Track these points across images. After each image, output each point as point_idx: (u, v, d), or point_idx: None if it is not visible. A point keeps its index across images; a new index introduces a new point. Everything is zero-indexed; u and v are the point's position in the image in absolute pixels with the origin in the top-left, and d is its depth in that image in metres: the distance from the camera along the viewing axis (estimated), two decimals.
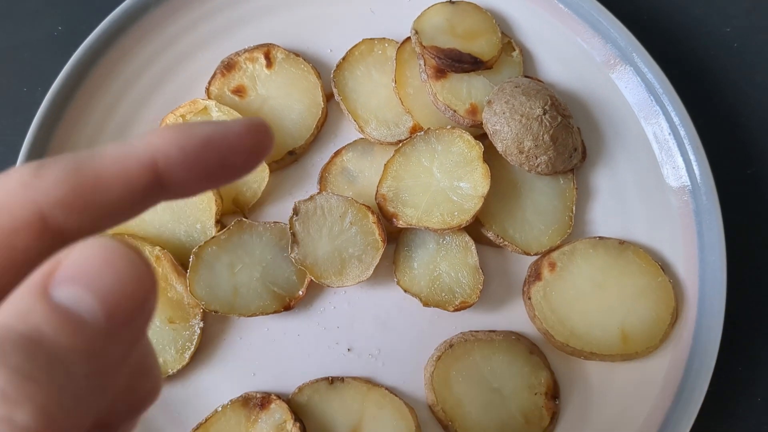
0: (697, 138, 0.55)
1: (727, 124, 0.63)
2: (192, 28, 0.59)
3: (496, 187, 0.55)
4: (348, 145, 0.58)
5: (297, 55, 0.59)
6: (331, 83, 0.58)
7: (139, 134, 0.21)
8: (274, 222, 0.54)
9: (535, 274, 0.54)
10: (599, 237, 0.55)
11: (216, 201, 0.54)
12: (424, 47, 0.56)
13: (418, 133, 0.55)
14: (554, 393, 0.52)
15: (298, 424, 0.50)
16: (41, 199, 0.20)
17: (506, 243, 0.54)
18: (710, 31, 0.65)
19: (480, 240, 0.55)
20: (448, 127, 0.55)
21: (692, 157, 0.55)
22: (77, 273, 0.18)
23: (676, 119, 0.56)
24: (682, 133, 0.55)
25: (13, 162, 0.53)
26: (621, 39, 0.57)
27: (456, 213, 0.53)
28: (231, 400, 0.52)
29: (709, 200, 0.54)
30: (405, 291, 0.53)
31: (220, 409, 0.51)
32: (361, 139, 0.58)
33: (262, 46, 0.59)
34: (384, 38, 0.59)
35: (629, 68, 0.57)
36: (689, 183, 0.55)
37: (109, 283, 0.18)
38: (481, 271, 0.53)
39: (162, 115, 0.57)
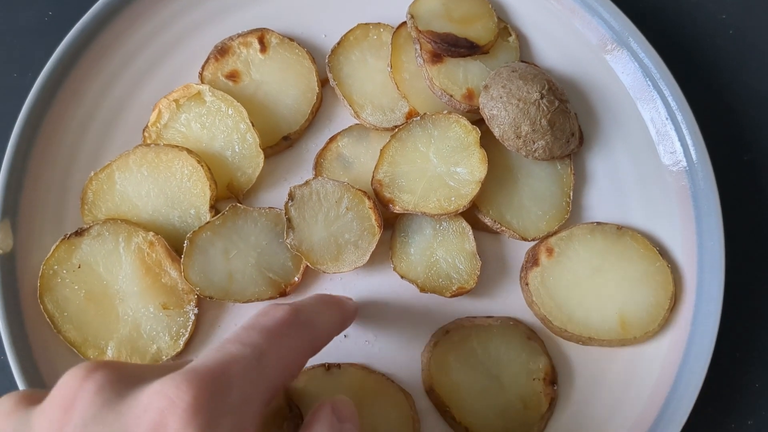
0: (693, 121, 0.55)
1: (723, 111, 0.62)
2: (185, 12, 0.59)
3: (493, 172, 0.54)
4: (343, 130, 0.57)
5: (291, 39, 0.58)
6: (326, 68, 0.57)
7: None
8: (269, 207, 0.54)
9: (532, 260, 0.54)
10: (597, 222, 0.55)
11: (210, 186, 0.53)
12: (420, 32, 0.55)
13: (414, 119, 0.54)
14: (552, 378, 0.52)
15: (294, 411, 0.49)
16: None
17: (503, 228, 0.54)
18: (706, 17, 0.65)
19: (477, 225, 0.55)
20: (445, 112, 0.54)
21: (689, 141, 0.55)
22: (350, 415, 0.39)
23: (672, 103, 0.55)
24: (679, 117, 0.55)
25: (3, 148, 0.53)
26: (616, 22, 0.57)
27: (453, 198, 0.52)
28: None
29: (706, 183, 0.54)
30: (402, 277, 0.53)
31: None
32: (357, 124, 0.57)
33: (256, 30, 0.58)
34: (379, 23, 0.58)
35: (625, 52, 0.57)
36: (687, 166, 0.55)
37: (356, 418, 0.39)
38: (478, 256, 0.53)
39: (155, 100, 0.56)
